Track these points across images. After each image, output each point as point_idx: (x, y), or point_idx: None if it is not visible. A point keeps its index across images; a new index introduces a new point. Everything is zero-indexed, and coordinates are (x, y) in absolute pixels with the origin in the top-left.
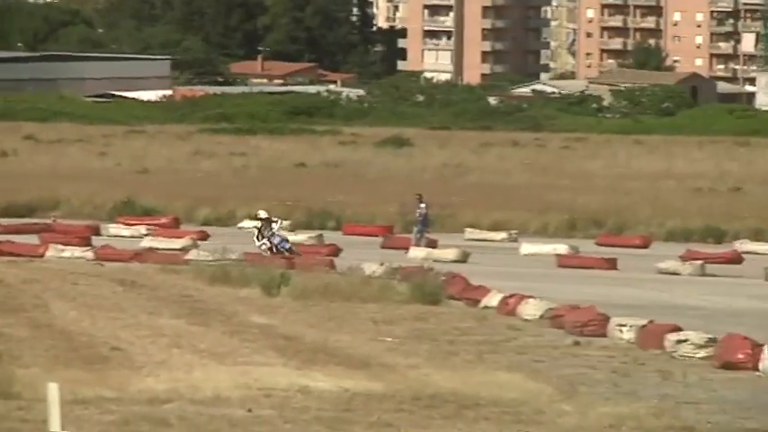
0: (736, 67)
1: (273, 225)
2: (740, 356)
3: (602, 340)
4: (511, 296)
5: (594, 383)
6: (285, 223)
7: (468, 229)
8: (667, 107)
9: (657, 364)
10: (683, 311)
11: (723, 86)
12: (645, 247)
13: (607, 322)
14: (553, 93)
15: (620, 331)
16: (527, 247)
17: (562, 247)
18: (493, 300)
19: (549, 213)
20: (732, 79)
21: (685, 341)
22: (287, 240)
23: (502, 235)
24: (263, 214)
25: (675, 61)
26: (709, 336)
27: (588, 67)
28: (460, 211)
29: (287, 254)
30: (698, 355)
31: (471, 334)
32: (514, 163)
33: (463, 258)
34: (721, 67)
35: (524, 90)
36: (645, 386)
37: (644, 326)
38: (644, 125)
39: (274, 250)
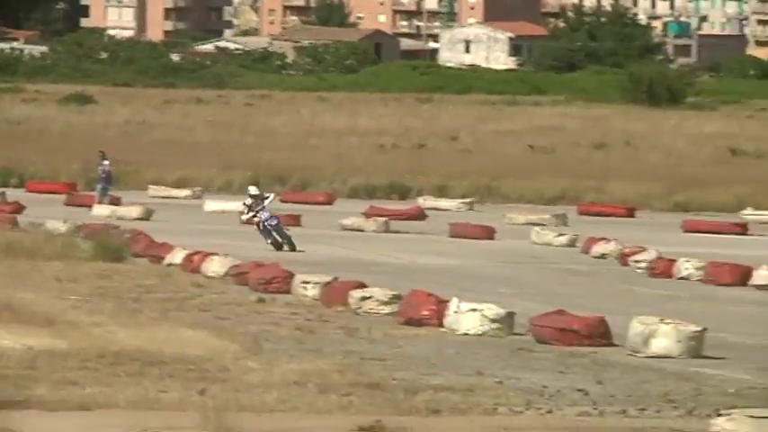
0: (420, 23)
1: (265, 201)
2: (425, 313)
3: (287, 297)
4: (195, 253)
5: (279, 340)
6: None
7: (152, 187)
8: (351, 64)
9: (342, 321)
10: (367, 268)
11: (406, 43)
12: (329, 203)
13: (291, 279)
14: (237, 50)
15: (305, 288)
16: (211, 204)
17: None
18: (177, 257)
19: (234, 170)
20: (416, 36)
21: (369, 298)
22: (276, 217)
23: (186, 192)
24: (253, 190)
25: (359, 18)
26: (394, 292)
27: (271, 23)
28: (144, 168)
29: (274, 233)
30: (383, 312)
31: (155, 291)
32: (198, 120)
33: (147, 216)
34: (405, 23)
35: (207, 47)
36: (329, 343)
37: (328, 283)
38: (328, 82)
39: (261, 226)
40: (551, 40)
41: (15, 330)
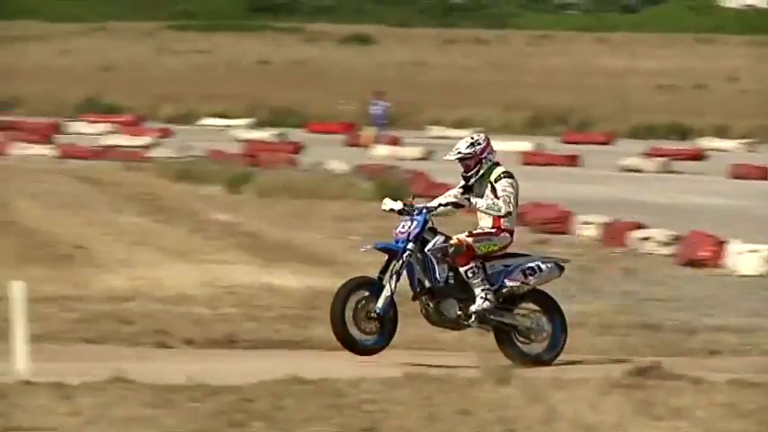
0: None
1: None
2: (704, 253)
3: (566, 237)
4: None
5: (559, 281)
6: (248, 121)
7: (432, 127)
8: (629, 4)
9: (621, 263)
10: (646, 208)
11: None
12: (608, 143)
13: (571, 219)
14: None
15: (584, 228)
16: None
17: (526, 145)
18: None
19: (513, 110)
20: None
21: (648, 239)
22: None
23: (465, 132)
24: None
25: None
26: (674, 233)
27: None
28: (423, 109)
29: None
30: (662, 253)
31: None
32: (478, 60)
33: (427, 156)
34: None
35: None
36: (609, 283)
37: (608, 223)
38: (607, 22)
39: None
40: None
41: (295, 270)
